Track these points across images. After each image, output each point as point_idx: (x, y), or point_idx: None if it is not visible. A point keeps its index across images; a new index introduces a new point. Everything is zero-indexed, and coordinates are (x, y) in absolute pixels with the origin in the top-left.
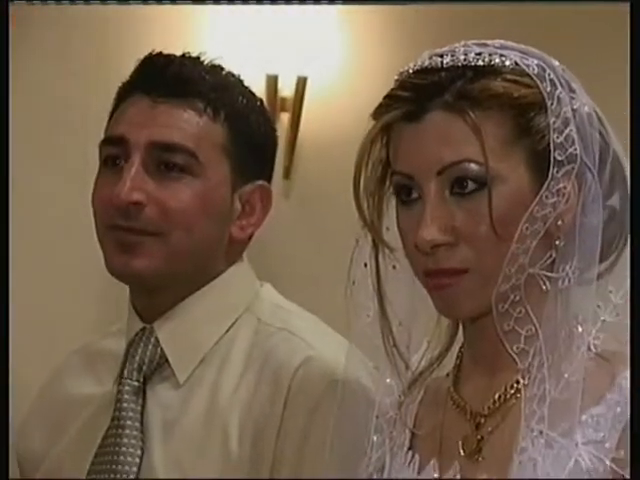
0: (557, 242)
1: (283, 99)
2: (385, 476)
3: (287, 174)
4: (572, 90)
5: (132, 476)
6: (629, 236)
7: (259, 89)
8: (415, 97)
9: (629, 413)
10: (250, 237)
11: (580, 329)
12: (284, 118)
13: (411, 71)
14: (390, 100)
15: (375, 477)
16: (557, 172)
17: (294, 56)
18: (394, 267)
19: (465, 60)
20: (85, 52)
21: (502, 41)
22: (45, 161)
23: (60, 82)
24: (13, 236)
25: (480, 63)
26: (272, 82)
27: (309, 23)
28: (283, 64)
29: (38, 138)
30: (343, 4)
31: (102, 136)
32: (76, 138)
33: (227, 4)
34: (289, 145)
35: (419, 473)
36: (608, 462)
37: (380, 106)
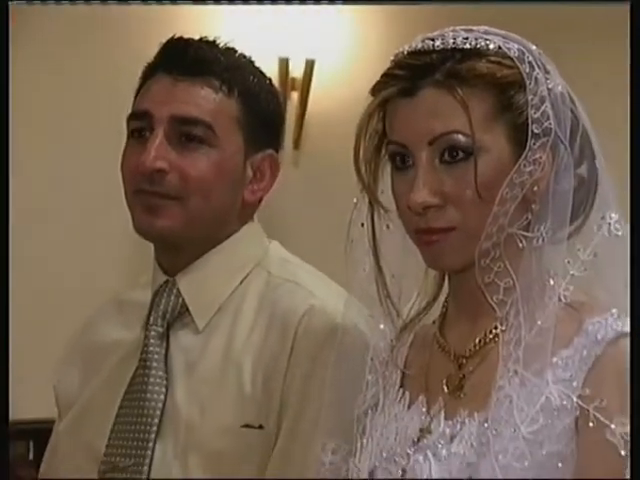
0: (533, 205)
1: (293, 79)
2: (379, 411)
3: (297, 145)
4: (547, 72)
5: (158, 412)
6: (629, 236)
7: (272, 70)
8: (409, 75)
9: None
10: (260, 200)
11: (552, 282)
12: (294, 96)
13: (406, 52)
14: (387, 78)
15: (369, 414)
16: (534, 144)
17: (303, 41)
18: (388, 226)
19: (454, 43)
20: (115, 42)
21: (486, 27)
22: (82, 135)
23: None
24: (63, 205)
25: (467, 46)
26: (284, 64)
27: (318, 11)
28: (294, 48)
29: (80, 114)
30: (343, 4)
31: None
32: (109, 114)
33: (227, 4)
34: (298, 120)
35: (409, 408)
36: (575, 398)
37: (378, 83)
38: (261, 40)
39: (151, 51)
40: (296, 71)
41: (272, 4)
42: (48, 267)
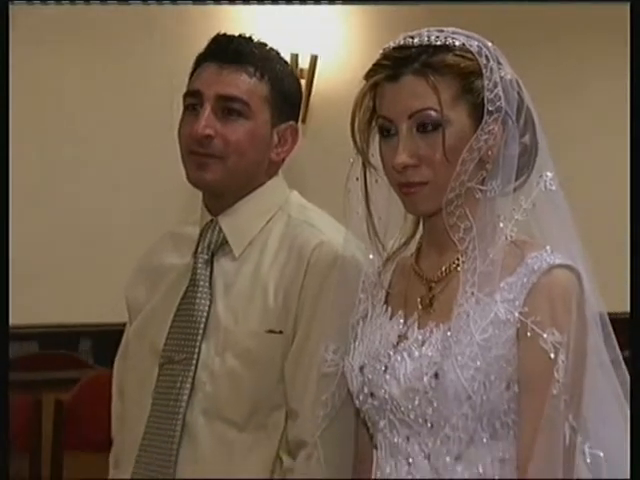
0: (487, 166)
1: (301, 70)
2: (367, 321)
3: (304, 119)
4: (500, 63)
5: (203, 319)
6: (629, 236)
7: None
8: (394, 65)
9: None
10: (283, 160)
11: (501, 225)
12: (302, 83)
13: (391, 47)
14: (376, 67)
15: (360, 323)
16: (488, 118)
17: (309, 40)
18: (376, 181)
19: (428, 40)
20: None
21: (454, 28)
22: (146, 111)
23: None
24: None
25: (438, 43)
26: (294, 58)
27: (320, 15)
28: (301, 45)
29: (148, 94)
30: (343, 4)
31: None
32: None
33: (228, 4)
34: (305, 100)
35: (390, 319)
36: (516, 314)
37: (369, 71)
38: (276, 38)
39: (175, 46)
40: (304, 63)
41: (272, 4)
42: (128, 209)
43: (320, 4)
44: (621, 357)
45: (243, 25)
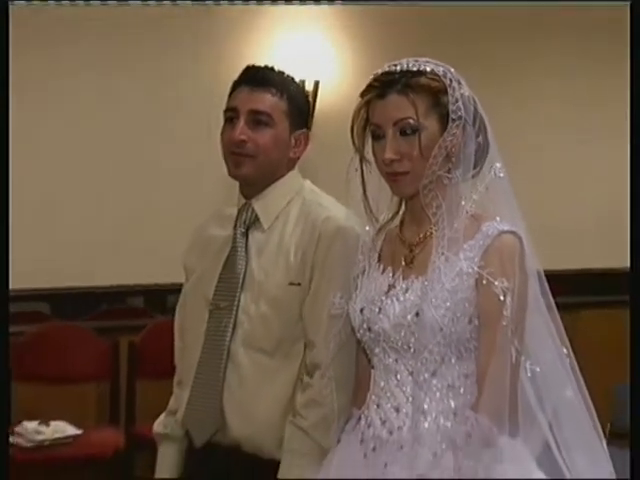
0: (452, 159)
1: (307, 92)
2: (365, 276)
3: (309, 127)
4: (460, 83)
5: (242, 275)
6: (629, 236)
7: None
8: (382, 86)
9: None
10: (299, 157)
11: (463, 203)
12: None
13: (380, 72)
14: (369, 87)
15: (360, 277)
16: (452, 125)
17: (313, 69)
18: (370, 172)
19: (407, 68)
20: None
21: (426, 58)
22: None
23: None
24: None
25: (414, 69)
26: (302, 83)
27: (323, 50)
28: (307, 73)
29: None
30: (343, 4)
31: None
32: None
33: (228, 4)
34: (311, 113)
35: (382, 274)
36: (475, 268)
37: (364, 90)
38: (289, 67)
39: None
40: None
41: (272, 4)
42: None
43: (320, 4)
44: (553, 302)
45: (264, 54)
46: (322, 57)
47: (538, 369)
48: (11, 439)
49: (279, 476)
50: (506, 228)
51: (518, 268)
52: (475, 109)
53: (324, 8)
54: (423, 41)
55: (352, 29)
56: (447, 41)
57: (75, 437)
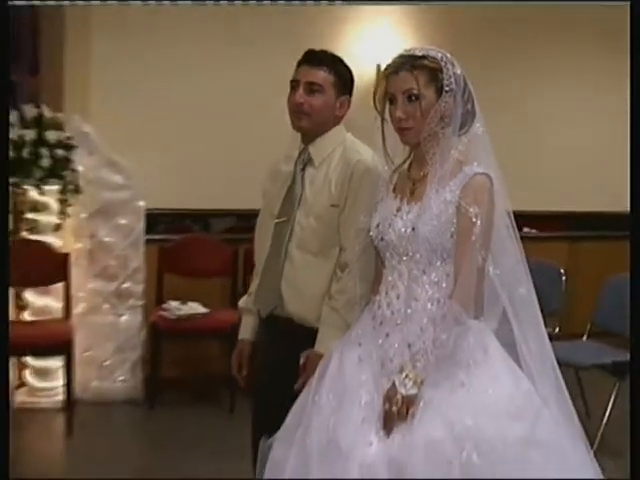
0: (445, 120)
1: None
2: (382, 201)
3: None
4: (453, 64)
5: (298, 197)
6: (629, 236)
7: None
8: (396, 66)
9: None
10: (343, 116)
11: (452, 151)
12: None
13: (396, 57)
14: (388, 66)
15: (379, 203)
16: (446, 95)
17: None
18: (387, 128)
19: (413, 53)
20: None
21: (428, 46)
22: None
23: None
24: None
25: (419, 54)
26: (378, 68)
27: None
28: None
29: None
30: (342, 4)
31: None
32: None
33: (228, 4)
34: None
35: (394, 200)
36: (456, 198)
37: (384, 68)
38: (366, 55)
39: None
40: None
41: (272, 4)
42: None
43: (319, 4)
44: (515, 223)
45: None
46: (388, 47)
47: (498, 272)
48: (159, 313)
49: (317, 342)
50: (480, 170)
51: (487, 199)
52: (465, 84)
53: (394, 8)
54: (466, 37)
55: (415, 26)
56: (488, 35)
57: (204, 314)
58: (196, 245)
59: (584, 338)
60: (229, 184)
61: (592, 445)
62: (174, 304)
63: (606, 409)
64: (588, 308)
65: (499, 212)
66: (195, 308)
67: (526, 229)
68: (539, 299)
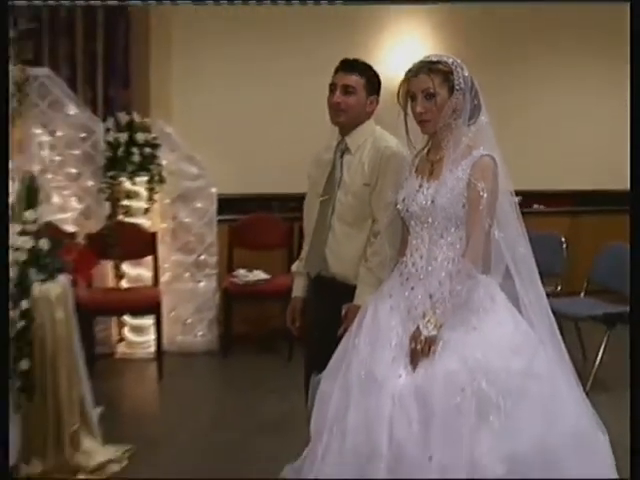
0: (457, 112)
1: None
2: (407, 180)
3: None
4: (462, 68)
5: (338, 180)
6: (629, 235)
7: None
8: (416, 70)
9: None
10: (372, 112)
11: (463, 139)
12: None
13: (416, 62)
14: (409, 70)
15: (404, 181)
16: (457, 92)
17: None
18: (407, 118)
19: (430, 59)
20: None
21: (443, 53)
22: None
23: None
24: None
25: (434, 60)
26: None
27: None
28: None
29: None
30: (343, 4)
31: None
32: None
33: (227, 4)
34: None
35: (416, 179)
36: (467, 176)
37: (406, 72)
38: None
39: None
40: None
41: (271, 4)
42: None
43: (319, 4)
44: (515, 199)
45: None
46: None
47: (502, 235)
48: (230, 279)
49: (355, 296)
50: (486, 153)
51: (492, 176)
52: (472, 84)
53: (422, 23)
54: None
55: (451, 29)
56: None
57: (266, 280)
58: (259, 223)
59: (581, 295)
60: (285, 171)
61: (587, 382)
62: (242, 272)
63: (598, 353)
64: (585, 271)
65: (502, 189)
66: (259, 275)
67: (535, 205)
68: (544, 264)
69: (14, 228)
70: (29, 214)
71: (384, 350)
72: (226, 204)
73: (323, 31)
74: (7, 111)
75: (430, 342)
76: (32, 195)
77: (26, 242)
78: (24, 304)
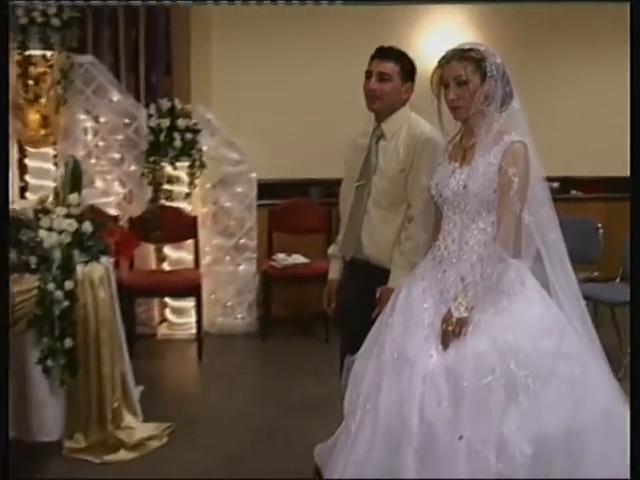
0: (489, 99)
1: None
2: (440, 167)
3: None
4: (494, 55)
5: (373, 166)
6: (629, 235)
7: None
8: (449, 57)
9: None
10: (407, 99)
11: (495, 124)
12: None
13: (449, 50)
14: (442, 58)
15: (438, 167)
16: (488, 79)
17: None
18: (441, 105)
19: (462, 47)
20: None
21: (475, 41)
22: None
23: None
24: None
25: (467, 48)
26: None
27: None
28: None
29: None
30: (343, 4)
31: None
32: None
33: (227, 4)
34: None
35: (449, 164)
36: (498, 161)
37: (439, 59)
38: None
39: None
40: None
41: (272, 4)
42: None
43: (320, 4)
44: (547, 184)
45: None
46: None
47: (532, 219)
48: (269, 263)
49: (389, 279)
50: (517, 139)
51: (523, 161)
52: (504, 71)
53: (458, 11)
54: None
55: (488, 27)
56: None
57: (305, 264)
58: (298, 208)
59: (617, 280)
60: (324, 157)
61: (620, 367)
62: (281, 256)
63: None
64: (621, 257)
65: (535, 174)
66: (298, 259)
67: (573, 192)
68: (581, 249)
69: (59, 211)
70: (73, 198)
71: (416, 331)
72: (266, 189)
73: (360, 21)
74: (7, 105)
75: (461, 324)
76: (76, 179)
77: (70, 225)
78: (68, 285)
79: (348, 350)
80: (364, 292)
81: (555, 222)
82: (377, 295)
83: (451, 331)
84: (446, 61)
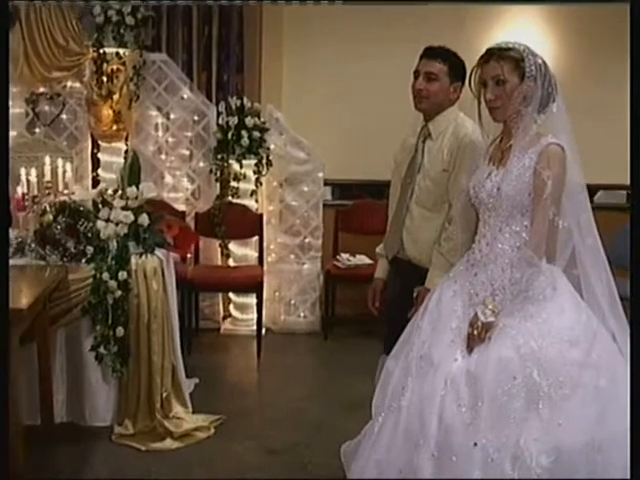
0: (527, 100)
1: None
2: (479, 168)
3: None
4: (535, 55)
5: (418, 164)
6: (630, 235)
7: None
8: (487, 57)
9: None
10: (457, 99)
11: (533, 126)
12: None
13: (487, 50)
14: (481, 58)
15: (477, 168)
16: (527, 80)
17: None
18: (481, 106)
19: (501, 46)
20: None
21: (517, 41)
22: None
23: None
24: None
25: (505, 47)
26: None
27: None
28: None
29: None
30: (343, 4)
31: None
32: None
33: (227, 3)
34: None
35: (487, 166)
36: (533, 163)
37: (479, 59)
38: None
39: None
40: None
41: (272, 3)
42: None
43: (320, 4)
44: (585, 187)
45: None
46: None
47: (567, 224)
48: (333, 263)
49: (427, 278)
50: (554, 141)
51: (558, 165)
52: (546, 71)
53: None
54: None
55: (556, 27)
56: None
57: (369, 265)
58: (365, 209)
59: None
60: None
61: None
62: (345, 256)
63: None
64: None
65: (574, 179)
66: (362, 260)
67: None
68: (625, 257)
69: (117, 203)
70: (131, 191)
71: (444, 334)
72: (333, 189)
73: (442, 21)
74: (7, 105)
75: (487, 328)
76: (134, 173)
77: (127, 217)
78: (122, 275)
79: (387, 349)
80: (406, 291)
81: (593, 227)
82: (414, 295)
83: (476, 335)
84: (485, 60)
